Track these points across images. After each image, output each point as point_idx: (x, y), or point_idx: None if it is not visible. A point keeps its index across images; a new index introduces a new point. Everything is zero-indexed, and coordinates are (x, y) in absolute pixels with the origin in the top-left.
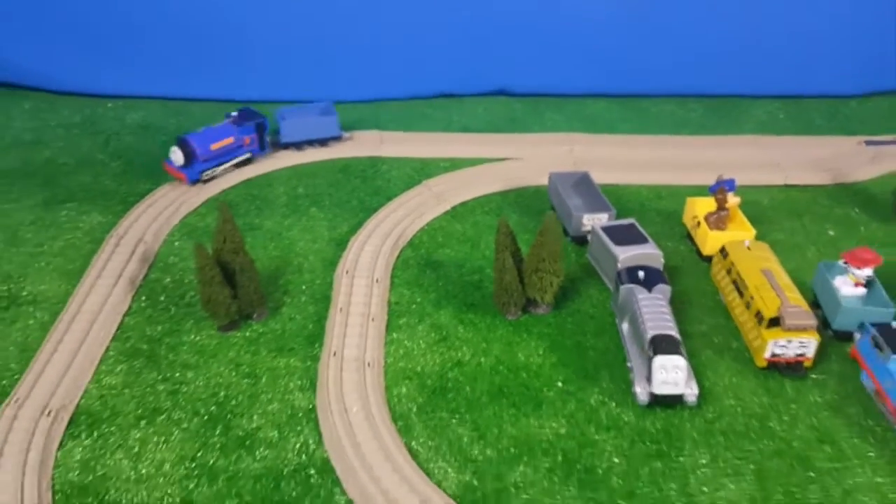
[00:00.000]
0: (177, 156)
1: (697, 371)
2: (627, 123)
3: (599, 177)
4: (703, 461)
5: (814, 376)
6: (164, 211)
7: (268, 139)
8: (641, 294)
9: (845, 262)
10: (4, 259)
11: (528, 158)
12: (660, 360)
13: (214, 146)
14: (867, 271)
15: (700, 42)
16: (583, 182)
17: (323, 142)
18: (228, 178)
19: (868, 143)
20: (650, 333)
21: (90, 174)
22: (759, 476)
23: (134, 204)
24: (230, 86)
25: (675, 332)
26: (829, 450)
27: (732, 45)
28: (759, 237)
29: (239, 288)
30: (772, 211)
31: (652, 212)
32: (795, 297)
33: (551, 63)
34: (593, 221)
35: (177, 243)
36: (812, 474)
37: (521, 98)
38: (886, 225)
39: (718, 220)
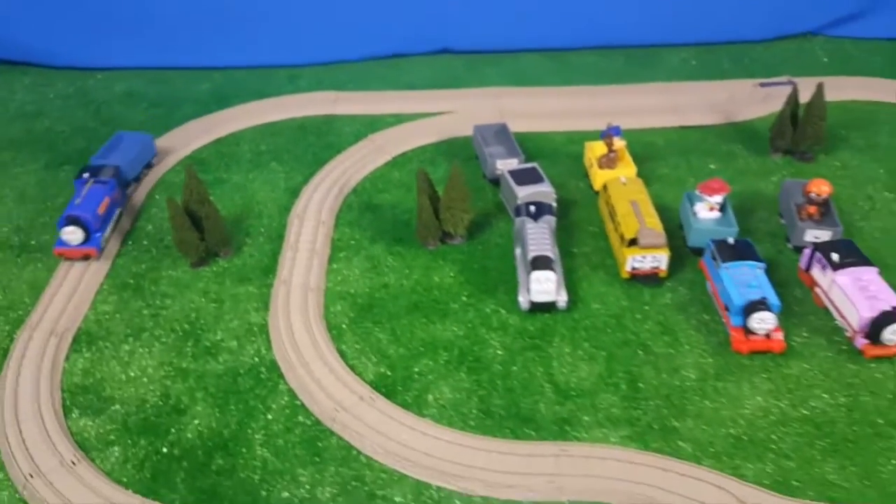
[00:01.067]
0: (76, 234)
1: (575, 283)
2: (554, 76)
3: (521, 125)
4: (567, 350)
5: (668, 284)
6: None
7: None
8: (530, 224)
9: (700, 192)
10: (15, 214)
11: (462, 112)
12: (535, 275)
13: (100, 210)
14: (717, 198)
15: None
16: (501, 132)
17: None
18: (200, 139)
19: (762, 84)
20: (531, 254)
21: (84, 140)
22: (608, 360)
23: None
24: (205, 54)
25: (550, 253)
26: (668, 338)
27: None
28: (647, 173)
29: (205, 231)
30: (664, 150)
31: (563, 155)
32: (653, 222)
33: (490, 22)
34: (504, 165)
35: (157, 196)
36: (651, 357)
37: (463, 56)
38: (762, 157)
39: (608, 160)
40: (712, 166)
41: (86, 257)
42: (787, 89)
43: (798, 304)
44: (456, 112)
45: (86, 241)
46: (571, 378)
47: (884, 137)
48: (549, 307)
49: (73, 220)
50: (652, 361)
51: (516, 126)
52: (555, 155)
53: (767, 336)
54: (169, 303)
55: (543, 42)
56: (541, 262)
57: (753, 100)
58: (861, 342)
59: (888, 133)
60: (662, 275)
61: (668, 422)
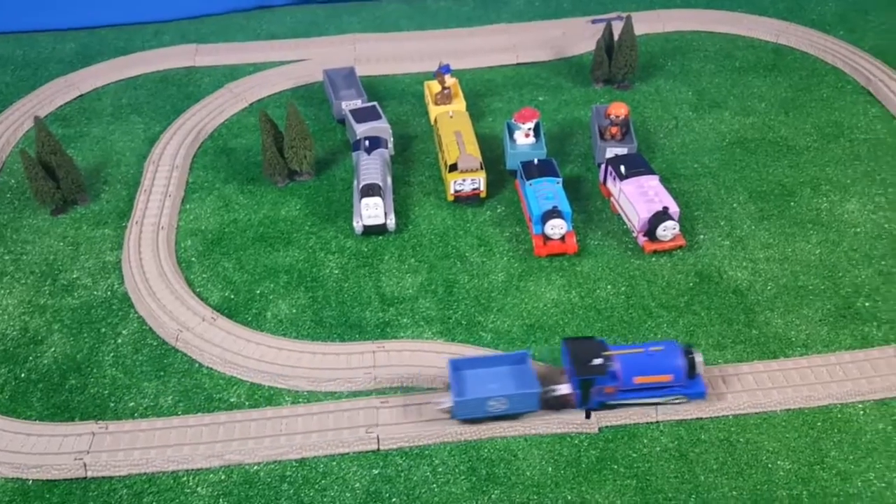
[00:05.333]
0: None
1: (408, 207)
2: (410, 21)
3: (374, 69)
4: (395, 266)
5: (489, 203)
6: (10, 127)
7: None
8: (364, 157)
9: (515, 120)
10: None
11: (318, 58)
12: (365, 201)
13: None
14: (529, 125)
15: None
16: (349, 76)
17: None
18: (64, 96)
19: (594, 20)
20: (362, 183)
21: None
22: (429, 271)
23: None
24: (71, 15)
25: (379, 181)
26: (483, 249)
27: None
28: (485, 107)
29: (60, 180)
30: (501, 86)
31: (410, 94)
32: (472, 150)
33: None
34: (348, 106)
35: (17, 151)
36: (467, 266)
37: (325, 6)
38: (586, 88)
39: (442, 97)
40: (541, 98)
41: None
42: (620, 24)
43: (597, 212)
44: (313, 59)
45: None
46: (396, 289)
47: (696, 63)
48: (381, 230)
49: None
50: (467, 269)
51: (370, 70)
52: (403, 95)
53: (563, 240)
54: (29, 248)
55: None
56: (369, 190)
57: (585, 36)
58: (642, 240)
59: (700, 59)
60: (482, 195)
61: (474, 318)
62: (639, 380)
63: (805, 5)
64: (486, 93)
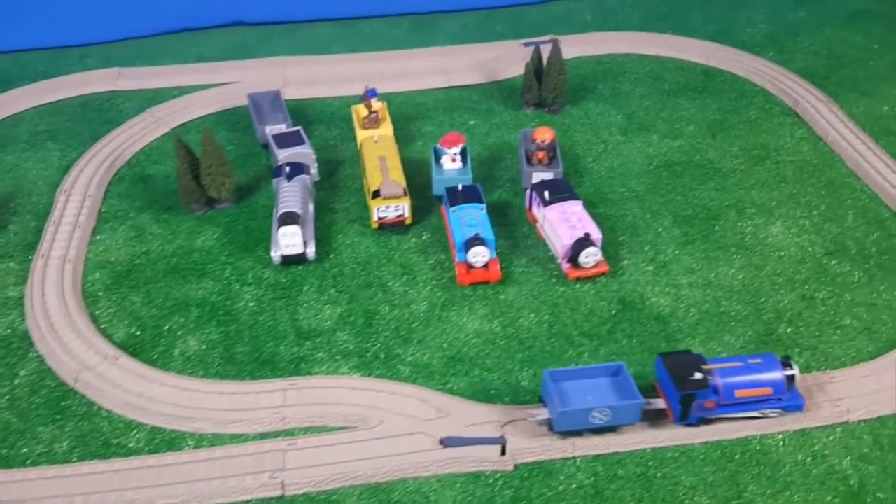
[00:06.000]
0: None
1: (331, 235)
2: (342, 44)
3: (302, 92)
4: (313, 297)
5: (415, 230)
6: None
7: None
8: (284, 183)
9: (440, 145)
10: None
11: (246, 82)
12: (282, 230)
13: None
14: (455, 149)
15: None
16: (275, 100)
17: None
18: None
19: (526, 44)
20: (280, 211)
21: None
22: (350, 301)
23: None
24: None
25: (298, 209)
26: (406, 278)
27: None
28: (415, 131)
29: None
30: (432, 110)
31: (339, 118)
32: (397, 175)
33: None
34: (272, 131)
35: None
36: (388, 295)
37: (256, 27)
38: (517, 111)
39: (370, 121)
40: (472, 122)
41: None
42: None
43: (523, 238)
44: (242, 82)
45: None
46: (314, 321)
47: (626, 86)
48: (300, 259)
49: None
50: (389, 299)
51: (299, 93)
52: (332, 119)
53: (486, 268)
54: None
55: (335, 11)
56: (287, 218)
57: (516, 59)
58: (565, 266)
59: (630, 82)
60: (407, 222)
61: (393, 350)
62: (740, 393)
63: (735, 27)
64: (416, 116)
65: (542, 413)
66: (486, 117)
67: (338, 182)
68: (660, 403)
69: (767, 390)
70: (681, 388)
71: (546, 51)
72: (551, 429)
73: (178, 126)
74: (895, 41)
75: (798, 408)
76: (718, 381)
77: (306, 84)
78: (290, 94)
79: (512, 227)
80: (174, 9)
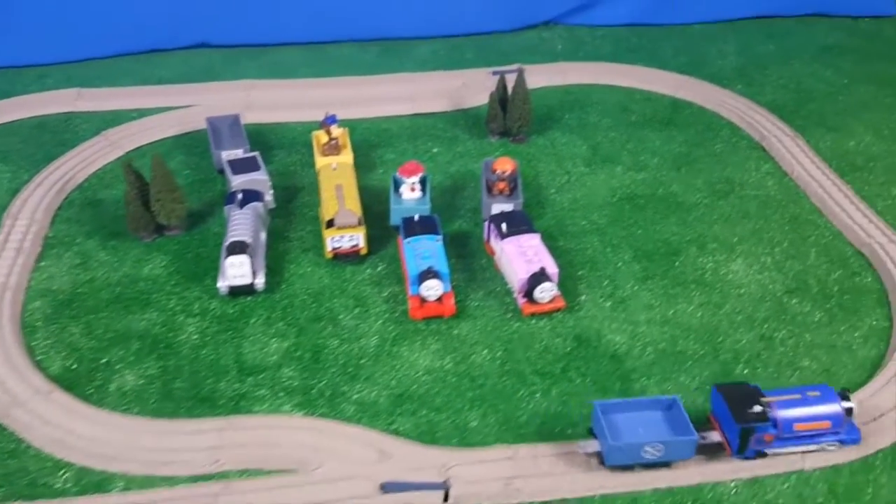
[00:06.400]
0: None
1: (283, 265)
2: (309, 67)
3: (264, 116)
4: (260, 330)
5: (371, 260)
6: None
7: None
8: (235, 211)
9: (399, 174)
10: None
11: (208, 105)
12: (230, 259)
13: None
14: (413, 179)
15: None
16: (234, 124)
17: None
18: None
19: (494, 72)
20: (229, 240)
21: None
22: (298, 335)
23: None
24: None
25: (247, 238)
26: (359, 311)
27: None
28: (377, 159)
29: None
30: (395, 137)
31: (300, 144)
32: (352, 204)
33: (248, 15)
34: (229, 156)
35: None
36: (338, 329)
37: (222, 49)
38: (481, 140)
39: (330, 148)
40: (436, 150)
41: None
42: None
43: (481, 271)
44: (202, 105)
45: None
46: (259, 355)
47: (593, 117)
48: (249, 290)
49: None
50: (339, 333)
51: (261, 117)
52: (293, 144)
53: (440, 301)
54: None
55: (303, 35)
56: (235, 248)
57: (483, 87)
58: (521, 301)
59: (597, 112)
60: (363, 252)
61: (339, 388)
62: (799, 427)
63: (706, 59)
64: (379, 143)
65: (592, 445)
66: (450, 145)
67: (295, 209)
68: (715, 437)
69: (826, 423)
70: (741, 420)
71: (511, 80)
72: (602, 462)
73: (134, 150)
74: (865, 76)
75: (855, 441)
76: (777, 413)
77: (269, 108)
78: (252, 118)
79: (470, 258)
80: (139, 29)
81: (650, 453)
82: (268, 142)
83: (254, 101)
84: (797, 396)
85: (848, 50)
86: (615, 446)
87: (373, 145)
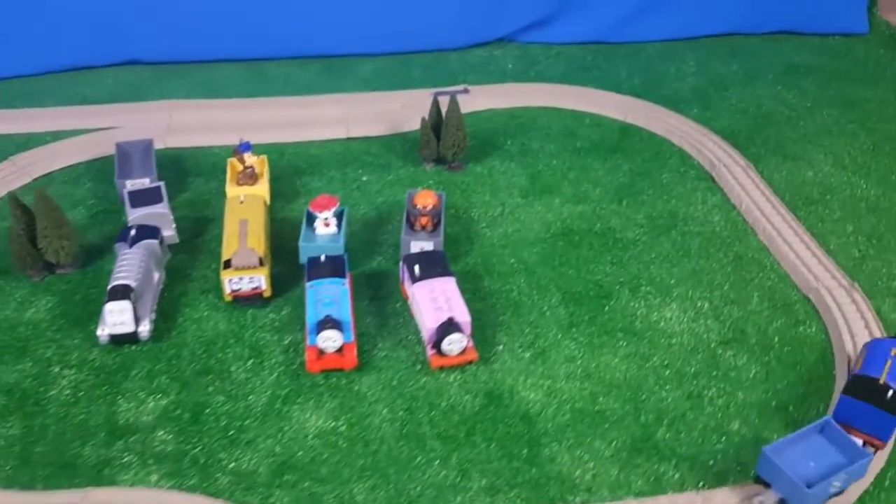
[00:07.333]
0: None
1: (178, 308)
2: (243, 86)
3: (186, 140)
4: (139, 385)
5: (276, 303)
6: None
7: None
8: (124, 250)
9: (310, 209)
10: None
11: (128, 127)
12: (109, 306)
13: None
14: (326, 213)
15: (315, 4)
16: (147, 149)
17: None
18: None
19: (437, 93)
20: (111, 283)
21: None
22: (180, 391)
23: None
24: None
25: (131, 282)
26: (253, 362)
27: (346, 6)
28: (300, 187)
29: None
30: (324, 163)
31: (220, 170)
32: (255, 243)
33: (181, 32)
34: (134, 186)
35: None
36: (227, 384)
37: (154, 67)
38: (416, 168)
39: (245, 176)
40: (365, 178)
41: None
42: (464, 96)
43: (395, 316)
44: (123, 127)
45: None
46: (134, 414)
47: (536, 143)
48: (130, 338)
49: None
50: (226, 389)
51: (182, 141)
52: (213, 170)
53: (341, 352)
54: None
55: (241, 52)
56: (117, 293)
57: (424, 109)
58: (430, 353)
59: (541, 138)
60: (266, 294)
61: (216, 453)
62: None
63: (662, 80)
64: (306, 170)
65: (770, 496)
66: (382, 173)
67: (202, 244)
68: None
69: None
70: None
71: (445, 103)
72: None
73: (43, 176)
74: (829, 99)
75: None
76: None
77: (191, 130)
78: (172, 141)
79: (384, 301)
80: (65, 45)
81: (836, 487)
82: (186, 168)
83: (176, 122)
84: None
85: (814, 70)
86: (807, 493)
87: (299, 172)
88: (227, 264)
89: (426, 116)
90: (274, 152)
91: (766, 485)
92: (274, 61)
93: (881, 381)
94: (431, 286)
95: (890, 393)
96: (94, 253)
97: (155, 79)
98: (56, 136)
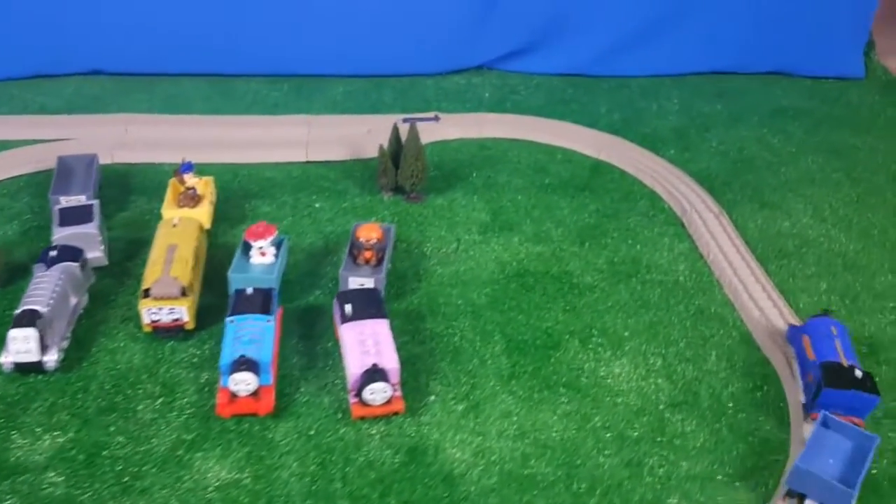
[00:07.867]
0: None
1: (94, 336)
2: (207, 102)
3: (137, 156)
4: (38, 420)
5: (200, 336)
6: None
7: None
8: (40, 273)
9: (246, 237)
10: None
11: (82, 139)
12: (13, 333)
13: None
14: (261, 243)
15: (288, 21)
16: (90, 164)
17: None
18: None
19: (405, 119)
20: (17, 310)
21: None
22: (80, 428)
23: None
24: None
25: (41, 307)
26: (164, 400)
27: (320, 25)
28: (248, 212)
29: None
30: (278, 187)
31: (165, 189)
32: (180, 271)
33: (149, 41)
34: (68, 202)
35: None
36: (130, 424)
37: (117, 78)
38: (373, 196)
39: (186, 198)
40: (317, 205)
41: None
42: (434, 124)
43: (324, 357)
44: (77, 139)
45: None
46: (25, 454)
47: (503, 176)
48: (36, 367)
49: None
50: (128, 429)
51: (134, 157)
52: (159, 188)
53: (257, 396)
54: None
55: (209, 66)
56: (22, 319)
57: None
58: (352, 401)
59: (509, 172)
60: (188, 327)
61: (105, 501)
62: None
63: (642, 118)
64: (257, 194)
65: None
66: (336, 200)
67: (132, 268)
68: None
69: None
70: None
71: (405, 131)
72: None
73: None
74: (815, 145)
75: None
76: None
77: (145, 146)
78: (122, 156)
79: (315, 340)
80: (25, 52)
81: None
82: (131, 185)
83: (130, 136)
84: None
85: (802, 114)
86: (849, 492)
87: (249, 195)
88: (147, 293)
89: (384, 144)
90: (227, 173)
91: (801, 498)
92: (243, 78)
93: (845, 364)
94: (362, 328)
95: (859, 374)
96: (20, 272)
97: (117, 91)
98: (5, 145)
